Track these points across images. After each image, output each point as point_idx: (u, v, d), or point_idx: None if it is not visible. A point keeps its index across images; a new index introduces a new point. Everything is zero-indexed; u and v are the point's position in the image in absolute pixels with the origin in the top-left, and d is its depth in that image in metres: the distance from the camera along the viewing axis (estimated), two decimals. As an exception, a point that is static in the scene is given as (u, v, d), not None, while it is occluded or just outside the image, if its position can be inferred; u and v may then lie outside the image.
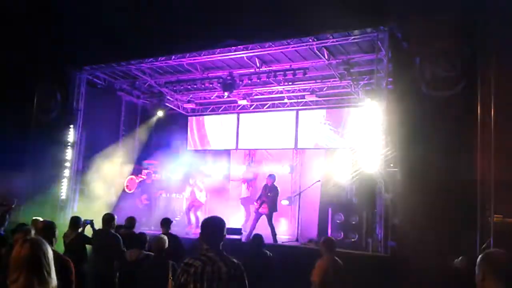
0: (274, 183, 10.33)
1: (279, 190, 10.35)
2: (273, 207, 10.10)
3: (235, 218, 12.03)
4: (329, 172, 11.38)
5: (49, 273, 2.45)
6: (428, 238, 7.00)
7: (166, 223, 6.88)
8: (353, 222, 8.97)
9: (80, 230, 6.78)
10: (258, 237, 6.60)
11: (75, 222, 6.81)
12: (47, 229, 3.66)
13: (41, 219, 6.36)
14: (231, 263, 3.08)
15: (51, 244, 3.72)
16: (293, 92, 12.47)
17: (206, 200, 12.47)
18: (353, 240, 8.84)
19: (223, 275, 3.00)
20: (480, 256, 2.37)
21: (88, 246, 6.56)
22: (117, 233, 6.49)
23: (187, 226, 11.48)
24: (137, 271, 4.97)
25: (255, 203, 10.45)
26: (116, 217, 6.63)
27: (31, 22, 11.45)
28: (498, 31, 7.27)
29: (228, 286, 2.99)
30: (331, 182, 10.82)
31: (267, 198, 10.08)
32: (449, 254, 6.61)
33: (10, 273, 2.41)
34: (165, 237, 4.87)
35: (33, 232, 4.10)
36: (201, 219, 11.70)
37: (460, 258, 5.93)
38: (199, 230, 3.28)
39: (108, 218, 6.39)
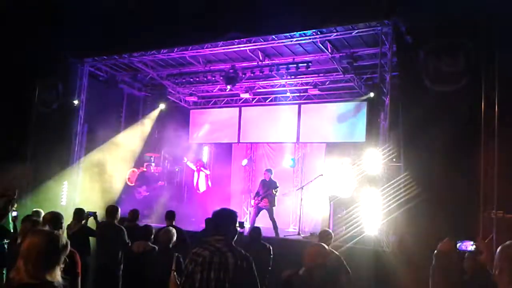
0: (272, 177, 10.35)
1: (278, 184, 10.34)
2: (272, 202, 10.11)
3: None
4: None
5: (59, 264, 2.45)
6: (429, 233, 7.01)
7: (170, 216, 6.87)
8: (355, 217, 8.97)
9: (83, 222, 6.79)
10: (256, 229, 6.67)
11: (79, 214, 6.80)
12: (55, 220, 3.66)
13: (42, 210, 6.36)
14: (239, 254, 3.09)
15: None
16: (295, 85, 12.44)
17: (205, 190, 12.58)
18: (354, 234, 8.85)
19: (230, 266, 3.01)
20: (498, 249, 2.35)
21: (91, 238, 6.57)
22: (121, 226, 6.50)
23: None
24: (143, 263, 4.98)
25: (253, 199, 10.43)
26: (119, 209, 6.63)
27: (33, 14, 11.39)
28: (502, 25, 7.24)
29: (235, 277, 2.99)
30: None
31: (268, 193, 10.09)
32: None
33: (18, 261, 2.40)
34: (173, 230, 4.88)
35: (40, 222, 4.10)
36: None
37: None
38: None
39: (112, 210, 6.39)
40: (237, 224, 3.22)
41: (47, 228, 2.81)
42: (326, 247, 3.80)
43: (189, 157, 13.60)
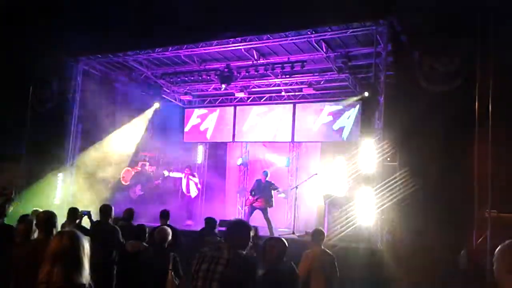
0: (267, 179, 10.39)
1: (273, 184, 10.36)
2: (268, 202, 10.14)
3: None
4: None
5: (83, 266, 2.45)
6: (424, 232, 7.05)
7: (165, 215, 6.85)
8: (349, 216, 8.99)
9: (77, 221, 6.75)
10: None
11: (73, 213, 6.77)
12: (48, 220, 3.65)
13: (40, 209, 6.33)
14: (239, 258, 3.10)
15: (51, 234, 3.71)
16: (290, 85, 12.44)
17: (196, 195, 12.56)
18: (349, 233, 8.87)
19: (222, 261, 3.05)
20: (497, 250, 2.30)
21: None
22: (116, 225, 6.47)
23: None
24: (137, 263, 4.96)
25: (250, 197, 10.44)
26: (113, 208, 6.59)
27: (27, 13, 11.34)
28: (497, 26, 7.27)
29: (227, 269, 3.02)
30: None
31: (262, 193, 10.12)
32: (445, 248, 6.66)
33: (43, 265, 2.40)
34: (168, 229, 4.86)
35: (34, 222, 4.08)
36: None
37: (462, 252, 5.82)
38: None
39: (106, 209, 6.35)
40: (250, 238, 3.28)
41: (75, 230, 2.78)
42: (285, 242, 3.89)
43: (182, 156, 13.58)
